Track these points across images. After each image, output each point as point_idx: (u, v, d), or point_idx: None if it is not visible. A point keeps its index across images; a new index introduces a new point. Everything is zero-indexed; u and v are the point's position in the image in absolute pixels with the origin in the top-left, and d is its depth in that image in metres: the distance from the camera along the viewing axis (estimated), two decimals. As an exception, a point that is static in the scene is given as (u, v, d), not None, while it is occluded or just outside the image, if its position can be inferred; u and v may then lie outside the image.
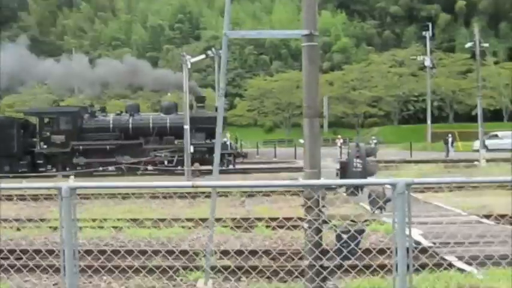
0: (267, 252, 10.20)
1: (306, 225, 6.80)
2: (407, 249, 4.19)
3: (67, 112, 36.53)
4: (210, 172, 32.39)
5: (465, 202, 17.53)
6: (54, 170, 34.93)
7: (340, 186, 6.51)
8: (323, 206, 6.60)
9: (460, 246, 10.20)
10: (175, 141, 34.80)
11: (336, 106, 79.38)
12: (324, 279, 6.65)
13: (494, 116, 74.11)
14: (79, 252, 8.59)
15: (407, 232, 4.35)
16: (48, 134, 35.13)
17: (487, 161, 36.09)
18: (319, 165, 6.83)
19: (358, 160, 6.82)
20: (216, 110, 33.81)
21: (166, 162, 34.57)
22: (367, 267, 7.46)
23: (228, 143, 37.38)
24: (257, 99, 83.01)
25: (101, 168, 34.70)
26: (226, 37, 6.90)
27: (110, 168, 34.79)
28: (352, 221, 6.54)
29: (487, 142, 50.71)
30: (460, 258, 9.56)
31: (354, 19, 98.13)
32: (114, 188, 5.18)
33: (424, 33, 63.99)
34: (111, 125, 35.64)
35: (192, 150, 30.96)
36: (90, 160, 34.90)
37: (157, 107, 70.82)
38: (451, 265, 9.14)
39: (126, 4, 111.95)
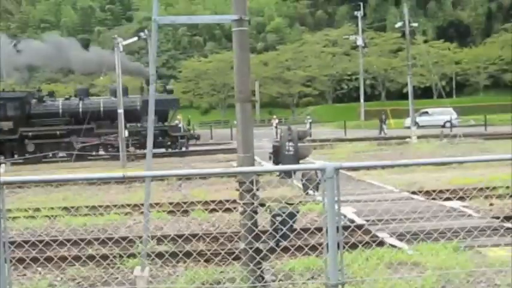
0: (203, 236, 10.24)
1: (240, 210, 6.87)
2: (338, 229, 4.31)
3: (14, 98, 35.31)
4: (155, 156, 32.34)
5: (397, 179, 18.04)
6: (2, 157, 33.85)
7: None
8: (257, 190, 6.68)
9: (392, 223, 10.51)
10: (127, 125, 34.37)
11: (270, 86, 79.80)
12: (259, 262, 6.75)
13: (425, 93, 76.16)
14: (12, 244, 8.41)
15: (337, 213, 4.46)
16: None
17: (418, 137, 37.17)
18: (252, 149, 6.89)
19: (290, 143, 6.90)
20: (167, 92, 33.58)
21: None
22: (302, 247, 7.61)
23: (180, 125, 37.10)
24: (192, 80, 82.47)
25: (50, 154, 33.95)
26: (156, 23, 6.84)
27: (60, 154, 34.09)
28: (286, 203, 6.64)
29: (418, 119, 52.16)
30: (392, 234, 9.87)
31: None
32: (44, 182, 5.04)
33: (356, 12, 65.12)
34: (60, 110, 34.81)
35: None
36: (39, 141, 33.80)
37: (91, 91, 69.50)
38: (383, 242, 9.43)
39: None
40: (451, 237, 8.81)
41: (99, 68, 42.84)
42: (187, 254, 9.03)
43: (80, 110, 34.52)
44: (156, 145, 32.93)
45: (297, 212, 6.27)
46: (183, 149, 35.39)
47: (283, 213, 6.34)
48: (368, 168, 17.01)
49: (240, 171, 6.11)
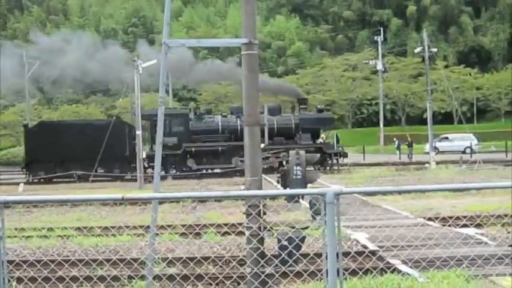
0: (214, 259, 10.18)
1: (247, 233, 6.82)
2: (337, 255, 4.24)
3: (179, 114, 36.56)
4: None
5: (413, 205, 17.84)
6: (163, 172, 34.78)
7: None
8: (264, 214, 6.64)
9: (405, 249, 10.38)
10: (285, 141, 36.05)
11: (290, 110, 79.74)
12: (267, 286, 6.68)
13: (445, 118, 75.67)
14: (24, 262, 8.42)
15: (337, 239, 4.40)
16: None
17: (437, 163, 36.86)
18: (260, 173, 6.87)
19: (298, 168, 6.85)
20: (318, 111, 35.10)
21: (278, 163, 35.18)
22: (312, 272, 7.53)
23: (332, 143, 37.82)
24: (212, 103, 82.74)
25: (209, 171, 35.06)
26: (166, 46, 6.88)
27: (216, 170, 35.15)
28: (292, 227, 6.59)
29: (438, 144, 51.90)
30: (404, 261, 9.73)
31: (308, 24, 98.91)
32: (43, 203, 5.03)
33: (376, 37, 65.12)
34: (220, 127, 35.76)
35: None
36: (200, 157, 34.71)
37: (111, 111, 70.29)
38: (395, 269, 9.28)
39: (79, 7, 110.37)
40: (466, 265, 8.68)
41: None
42: (197, 277, 8.98)
43: (239, 127, 35.04)
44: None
45: (302, 237, 6.21)
46: (335, 167, 36.24)
47: (290, 237, 6.28)
48: (369, 193, 16.83)
49: (240, 195, 6.07)
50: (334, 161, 36.66)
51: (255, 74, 6.81)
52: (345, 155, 38.30)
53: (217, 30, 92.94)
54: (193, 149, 34.56)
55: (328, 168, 35.91)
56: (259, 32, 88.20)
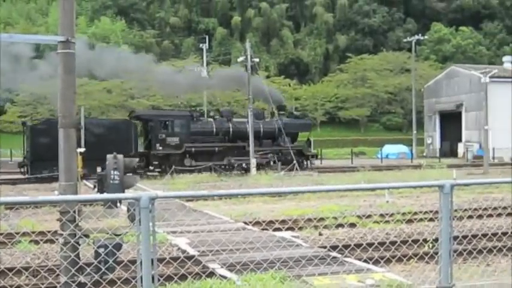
0: (26, 269, 9.61)
1: (61, 241, 6.52)
2: (152, 261, 4.18)
3: (182, 116, 38.51)
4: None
5: (233, 210, 18.27)
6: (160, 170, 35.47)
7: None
8: (80, 221, 6.39)
9: (224, 253, 10.56)
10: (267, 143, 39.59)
11: (114, 114, 78.05)
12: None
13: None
14: None
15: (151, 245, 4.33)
16: (164, 136, 36.24)
17: (258, 169, 38.16)
18: (75, 177, 6.61)
19: (115, 172, 6.70)
20: (295, 117, 42.56)
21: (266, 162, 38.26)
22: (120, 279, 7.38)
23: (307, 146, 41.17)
24: (30, 105, 78.52)
25: (208, 170, 36.11)
26: (-27, 40, 6.37)
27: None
28: (110, 234, 6.41)
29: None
30: (223, 265, 9.89)
31: (134, 27, 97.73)
32: None
33: (201, 45, 66.04)
34: (214, 129, 37.98)
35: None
36: (199, 157, 36.68)
37: None
38: (213, 273, 9.40)
39: None
40: (280, 266, 9.02)
41: None
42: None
43: (231, 129, 38.27)
44: (289, 163, 37.46)
45: (117, 243, 6.06)
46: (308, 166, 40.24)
47: (105, 244, 6.10)
48: (183, 198, 17.22)
49: (48, 200, 5.79)
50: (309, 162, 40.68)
51: (71, 74, 6.53)
52: (316, 157, 42.99)
53: (38, 28, 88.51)
54: (193, 149, 36.56)
55: (306, 167, 39.39)
56: (83, 33, 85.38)
